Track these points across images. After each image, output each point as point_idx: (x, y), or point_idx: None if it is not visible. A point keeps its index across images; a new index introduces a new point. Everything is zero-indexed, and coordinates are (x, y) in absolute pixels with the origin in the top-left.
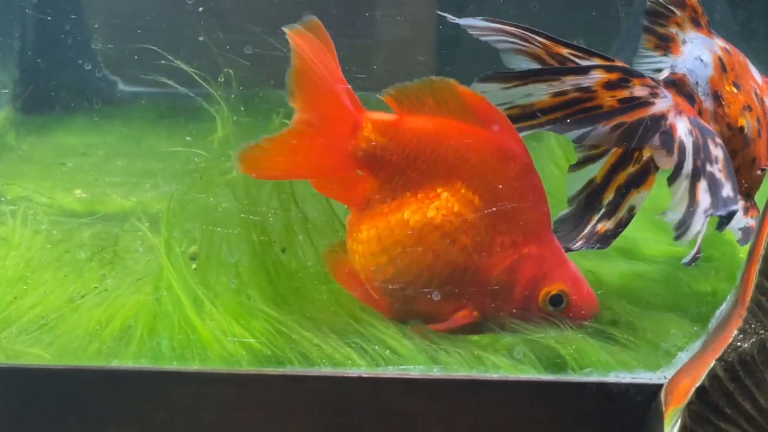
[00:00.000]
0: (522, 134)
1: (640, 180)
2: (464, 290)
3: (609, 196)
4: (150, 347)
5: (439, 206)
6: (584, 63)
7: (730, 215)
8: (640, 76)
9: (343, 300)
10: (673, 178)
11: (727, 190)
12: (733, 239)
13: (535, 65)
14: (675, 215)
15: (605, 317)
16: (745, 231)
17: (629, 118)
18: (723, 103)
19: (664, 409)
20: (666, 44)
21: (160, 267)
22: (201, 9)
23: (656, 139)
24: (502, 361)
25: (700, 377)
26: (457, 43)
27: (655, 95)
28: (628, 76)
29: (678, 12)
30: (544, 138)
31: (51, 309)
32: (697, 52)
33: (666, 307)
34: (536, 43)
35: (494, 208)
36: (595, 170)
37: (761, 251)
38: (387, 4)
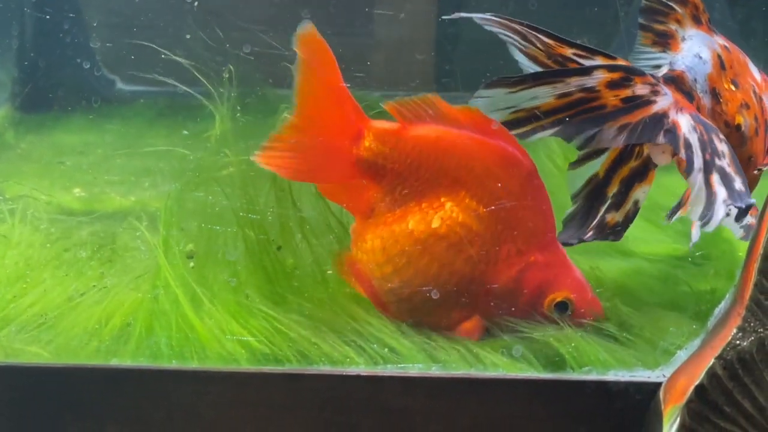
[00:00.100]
0: (528, 140)
1: (641, 175)
2: (470, 299)
3: (614, 189)
4: (149, 346)
5: (444, 216)
6: (587, 63)
7: (748, 207)
8: (641, 74)
9: (341, 299)
10: (687, 173)
11: (738, 184)
12: (732, 238)
13: (535, 67)
14: (697, 207)
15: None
16: (746, 229)
17: (633, 118)
18: (721, 100)
19: (663, 407)
20: (665, 41)
21: (158, 265)
22: (196, 3)
23: (660, 137)
24: (500, 360)
25: (699, 376)
26: (456, 41)
27: (656, 93)
28: (630, 75)
29: (679, 9)
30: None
31: (50, 307)
32: (696, 49)
33: (665, 306)
34: (538, 44)
35: (499, 218)
36: (596, 166)
37: (760, 250)
38: (386, 2)
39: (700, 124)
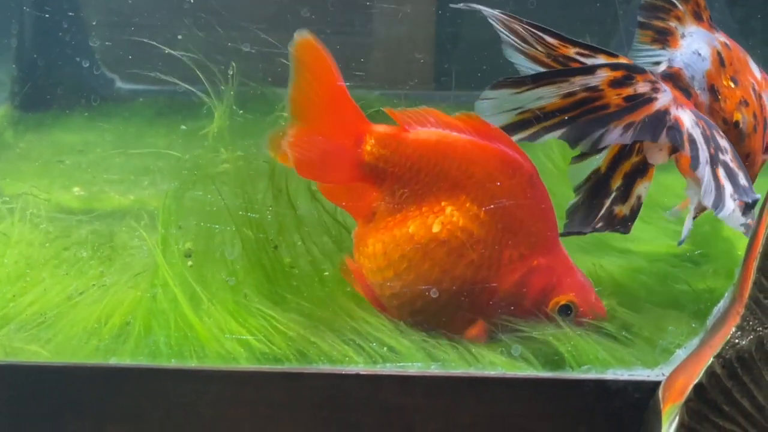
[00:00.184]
0: (534, 142)
1: (642, 171)
2: (473, 304)
3: (617, 183)
4: (148, 344)
5: (444, 221)
6: (590, 62)
7: (754, 202)
8: (641, 71)
9: (340, 298)
10: (694, 167)
11: (742, 179)
12: (731, 236)
13: (536, 67)
14: (708, 198)
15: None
16: (747, 227)
17: (637, 116)
18: (719, 97)
19: (662, 406)
20: (664, 38)
21: (156, 265)
22: (192, 0)
23: (663, 135)
24: (499, 359)
25: (698, 374)
26: (456, 40)
27: (656, 90)
28: (631, 73)
29: (680, 5)
30: None
31: (49, 306)
32: (695, 46)
33: (664, 304)
34: (539, 45)
35: (500, 222)
36: (598, 161)
37: (759, 248)
38: (386, 1)
39: (701, 120)
